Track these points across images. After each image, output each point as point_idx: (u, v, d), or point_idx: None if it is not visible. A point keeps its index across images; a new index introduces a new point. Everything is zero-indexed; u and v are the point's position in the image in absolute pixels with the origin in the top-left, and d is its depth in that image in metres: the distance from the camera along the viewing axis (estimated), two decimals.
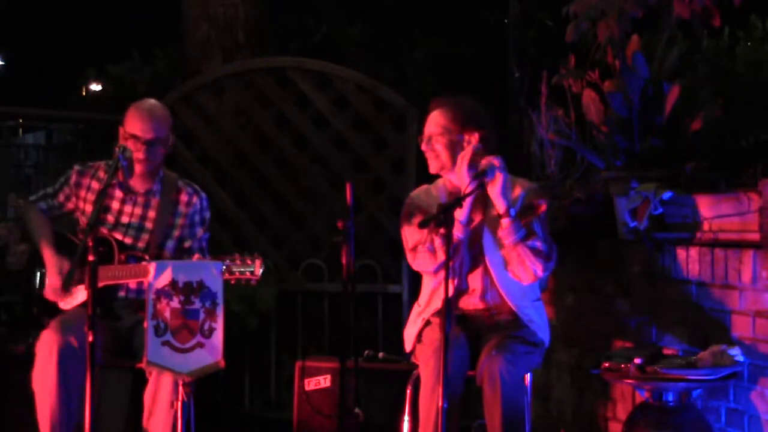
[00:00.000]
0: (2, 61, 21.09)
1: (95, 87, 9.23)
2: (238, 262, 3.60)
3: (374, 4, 7.74)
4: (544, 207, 3.75)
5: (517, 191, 3.77)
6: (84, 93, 9.77)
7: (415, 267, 3.83)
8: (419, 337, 3.77)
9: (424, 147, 3.82)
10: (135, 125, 3.87)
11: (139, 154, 3.84)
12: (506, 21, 6.88)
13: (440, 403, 3.21)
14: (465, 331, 3.70)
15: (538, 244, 3.65)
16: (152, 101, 4.02)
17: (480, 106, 3.88)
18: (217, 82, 5.89)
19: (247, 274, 3.61)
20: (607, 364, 3.62)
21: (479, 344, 3.68)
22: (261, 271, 3.62)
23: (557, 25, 5.00)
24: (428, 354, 3.57)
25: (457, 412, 3.53)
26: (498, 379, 3.47)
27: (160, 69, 7.41)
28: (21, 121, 9.64)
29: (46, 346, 3.60)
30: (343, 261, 3.68)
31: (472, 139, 3.74)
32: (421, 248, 3.74)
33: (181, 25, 6.54)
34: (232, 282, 3.62)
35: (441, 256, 3.65)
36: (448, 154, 3.76)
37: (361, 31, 7.50)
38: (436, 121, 3.80)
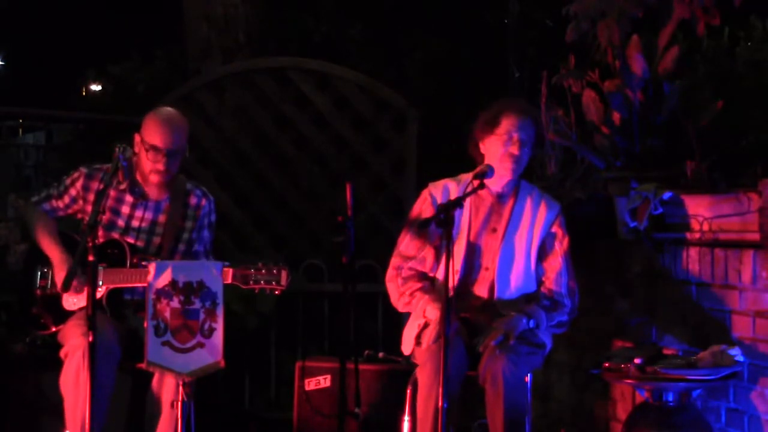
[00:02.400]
0: (2, 61, 21.09)
1: (95, 87, 9.24)
2: (263, 271, 3.55)
3: (374, 4, 7.73)
4: (566, 243, 3.78)
5: (542, 215, 3.77)
6: (84, 93, 9.77)
7: (387, 286, 3.91)
8: (418, 339, 3.77)
9: (513, 148, 3.71)
10: (155, 136, 3.79)
11: (159, 165, 3.79)
12: (506, 21, 6.88)
13: (439, 403, 3.21)
14: (464, 331, 3.70)
15: (564, 317, 3.78)
16: (169, 110, 3.95)
17: None
18: (217, 82, 5.89)
19: (273, 283, 3.56)
20: (607, 364, 3.62)
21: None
22: (287, 281, 3.56)
23: (557, 25, 5.00)
24: (426, 355, 3.57)
25: (454, 412, 3.53)
26: (500, 379, 3.48)
27: (160, 69, 7.41)
28: (21, 121, 9.65)
29: (77, 348, 3.58)
30: (343, 261, 3.68)
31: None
32: (398, 283, 3.84)
33: (181, 25, 6.54)
34: (256, 291, 3.58)
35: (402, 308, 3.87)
36: (526, 159, 3.76)
37: (361, 31, 7.50)
38: (530, 130, 3.74)
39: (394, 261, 3.89)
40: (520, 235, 3.76)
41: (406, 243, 3.86)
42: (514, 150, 3.69)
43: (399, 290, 3.85)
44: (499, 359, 3.51)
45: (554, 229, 3.79)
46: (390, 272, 3.89)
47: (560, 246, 3.79)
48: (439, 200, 3.79)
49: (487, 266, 3.77)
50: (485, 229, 3.78)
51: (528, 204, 3.79)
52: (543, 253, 3.79)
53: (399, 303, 3.88)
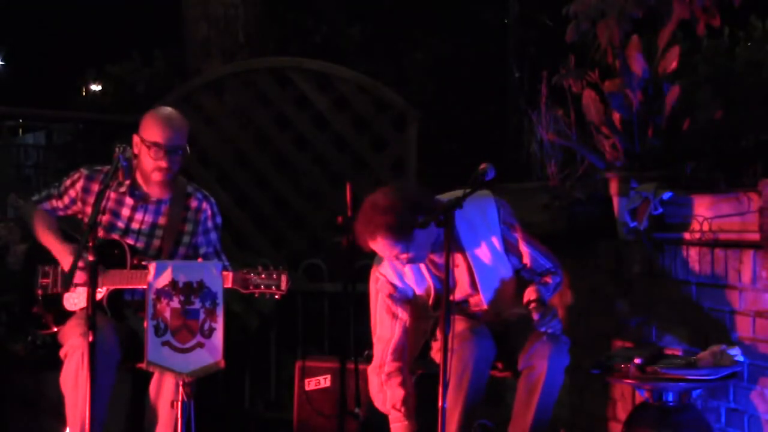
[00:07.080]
0: (2, 61, 21.10)
1: (95, 87, 9.24)
2: (263, 276, 3.56)
3: (374, 4, 7.74)
4: (519, 228, 3.73)
5: (487, 216, 3.67)
6: (84, 93, 9.78)
7: (368, 376, 3.80)
8: (433, 335, 3.76)
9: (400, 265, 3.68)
10: (156, 133, 3.78)
11: (161, 163, 3.78)
12: (506, 21, 6.89)
13: (441, 404, 3.19)
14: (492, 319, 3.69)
15: (558, 278, 3.75)
16: (168, 108, 3.95)
17: (400, 193, 3.59)
18: (217, 82, 5.90)
19: (273, 288, 3.56)
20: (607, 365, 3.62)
21: (506, 334, 3.70)
22: (287, 286, 3.55)
23: (557, 25, 5.00)
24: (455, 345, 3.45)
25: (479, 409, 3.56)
26: (546, 364, 3.53)
27: (160, 69, 7.43)
28: (21, 121, 9.65)
29: (76, 348, 3.58)
30: (343, 261, 3.68)
31: (426, 224, 3.44)
32: (381, 380, 3.72)
33: (181, 25, 6.54)
34: (256, 295, 3.58)
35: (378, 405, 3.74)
36: (419, 258, 3.62)
37: (361, 32, 7.51)
38: (389, 249, 3.58)
39: (376, 349, 3.80)
40: (481, 250, 3.68)
41: (380, 326, 3.80)
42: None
43: (379, 389, 3.74)
44: (547, 346, 3.52)
45: (503, 223, 3.69)
46: (372, 365, 3.80)
47: (518, 234, 3.71)
48: (392, 279, 3.75)
49: (470, 291, 3.74)
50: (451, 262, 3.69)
51: (466, 215, 3.61)
52: (509, 246, 3.71)
53: (377, 400, 3.77)
